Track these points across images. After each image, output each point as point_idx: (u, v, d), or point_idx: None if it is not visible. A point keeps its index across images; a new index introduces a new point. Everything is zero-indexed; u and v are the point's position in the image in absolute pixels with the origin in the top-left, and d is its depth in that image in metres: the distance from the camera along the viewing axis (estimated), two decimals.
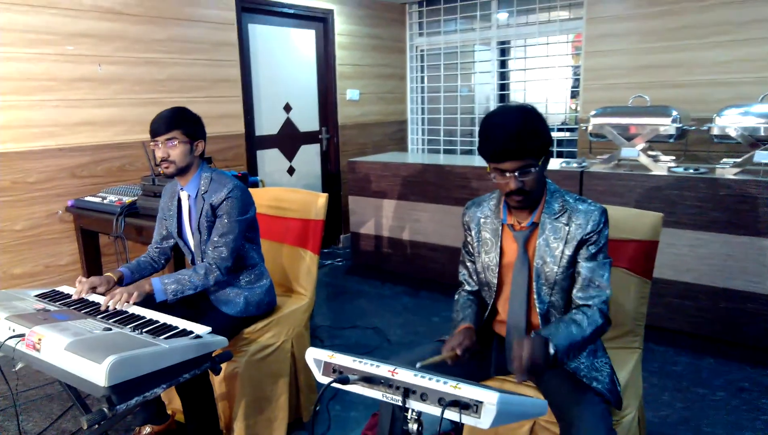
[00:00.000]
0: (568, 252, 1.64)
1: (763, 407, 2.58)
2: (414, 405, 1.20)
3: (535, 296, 1.68)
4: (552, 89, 5.38)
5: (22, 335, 1.62)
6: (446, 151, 6.00)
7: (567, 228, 1.65)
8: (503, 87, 5.76)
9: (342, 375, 1.26)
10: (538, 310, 1.69)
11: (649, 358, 3.07)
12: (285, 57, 4.85)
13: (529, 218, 1.70)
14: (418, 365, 1.56)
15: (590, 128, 3.62)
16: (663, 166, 3.39)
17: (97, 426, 1.73)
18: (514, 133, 1.55)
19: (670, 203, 3.22)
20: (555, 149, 5.35)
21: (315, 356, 1.32)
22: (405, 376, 1.20)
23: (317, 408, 2.58)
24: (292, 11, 4.78)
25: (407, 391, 1.20)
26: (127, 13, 3.64)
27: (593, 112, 3.66)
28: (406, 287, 4.32)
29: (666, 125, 3.33)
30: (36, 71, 3.28)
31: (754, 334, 3.09)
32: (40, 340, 1.57)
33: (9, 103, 3.19)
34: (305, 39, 5.00)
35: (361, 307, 3.98)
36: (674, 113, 3.32)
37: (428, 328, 3.55)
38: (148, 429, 2.28)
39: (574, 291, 1.66)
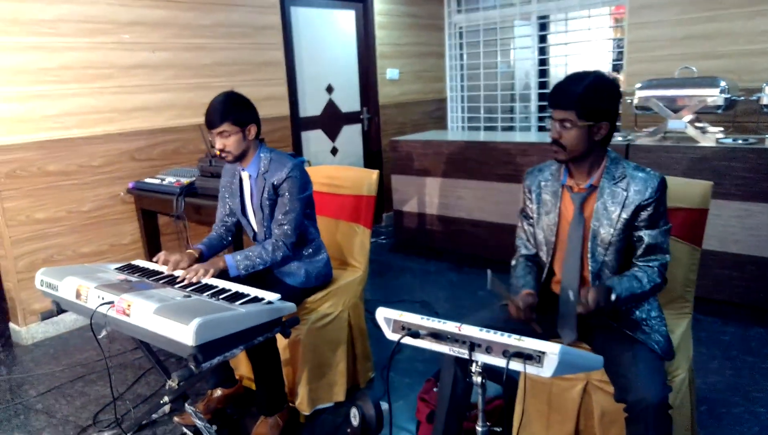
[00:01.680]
0: (625, 216, 1.73)
1: None
2: (480, 357, 1.30)
3: (589, 255, 1.78)
4: (593, 63, 5.33)
5: (111, 302, 1.78)
6: (486, 129, 6.02)
7: (625, 193, 1.73)
8: (543, 62, 5.73)
9: (412, 330, 1.36)
10: (590, 268, 1.78)
11: (698, 328, 3.09)
12: (326, 38, 4.94)
13: (587, 180, 1.78)
14: (489, 272, 1.63)
15: (635, 101, 3.61)
16: (711, 137, 3.37)
17: (183, 383, 1.89)
18: (569, 83, 1.71)
19: (718, 175, 3.21)
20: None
21: (386, 315, 1.43)
22: (470, 331, 1.30)
23: (389, 366, 2.72)
24: None
25: (473, 345, 1.30)
26: (175, 0, 3.78)
27: (638, 85, 3.65)
28: (450, 263, 4.41)
29: (714, 96, 3.31)
30: (94, 60, 3.46)
31: None
32: (129, 305, 1.72)
33: (72, 91, 3.38)
34: (346, 19, 5.07)
35: (407, 283, 4.09)
36: (722, 84, 3.29)
37: (474, 302, 3.64)
38: (219, 392, 2.45)
39: (636, 255, 1.76)
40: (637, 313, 1.75)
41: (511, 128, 5.88)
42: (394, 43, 5.49)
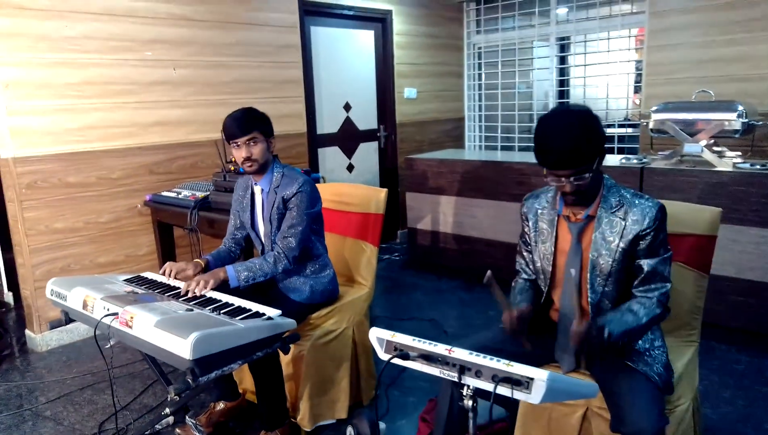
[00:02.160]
0: (624, 246, 1.69)
1: None
2: (469, 381, 1.30)
3: (588, 286, 1.75)
4: (613, 85, 5.31)
5: (115, 314, 1.81)
6: (504, 148, 6.02)
7: (623, 222, 1.69)
8: (562, 83, 5.72)
9: (403, 352, 1.36)
10: (590, 299, 1.75)
11: (711, 356, 3.03)
12: (345, 57, 5.01)
13: (584, 211, 1.76)
14: (488, 273, 1.62)
15: (651, 124, 3.59)
16: (728, 161, 3.33)
17: (181, 395, 1.92)
18: (569, 144, 1.59)
19: (735, 200, 3.16)
20: (616, 145, 5.28)
21: (378, 335, 1.44)
22: (460, 354, 1.30)
23: (378, 386, 2.71)
24: (352, 12, 4.93)
25: (463, 368, 1.30)
26: (197, 19, 3.88)
27: (654, 108, 3.62)
28: (462, 282, 4.39)
29: (731, 120, 3.27)
30: (117, 76, 3.55)
31: None
32: (132, 317, 1.75)
33: (94, 106, 3.47)
34: (365, 39, 5.14)
35: (418, 300, 4.08)
36: (740, 108, 3.25)
37: (484, 321, 3.62)
38: (221, 405, 2.47)
39: (635, 285, 1.72)
40: (640, 342, 1.72)
41: (528, 148, 5.86)
42: (412, 63, 5.54)
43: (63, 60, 3.32)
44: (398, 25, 5.33)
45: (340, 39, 4.95)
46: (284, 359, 2.38)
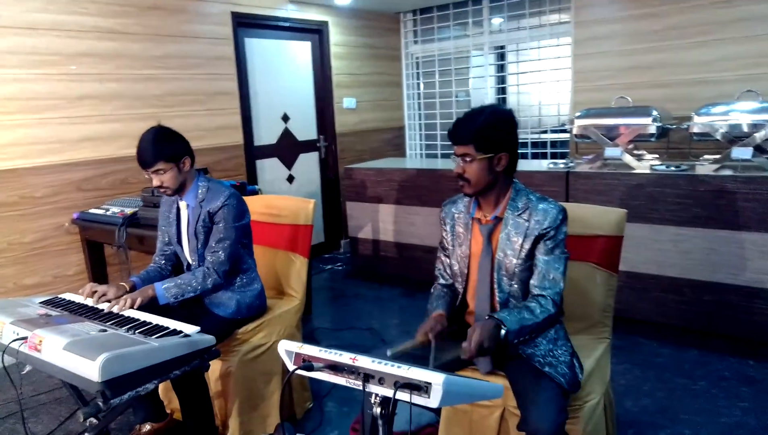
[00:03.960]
0: (527, 246, 1.77)
1: (742, 395, 2.67)
2: (373, 389, 1.32)
3: (496, 286, 1.81)
4: (548, 92, 5.48)
5: (24, 338, 1.76)
6: (444, 156, 6.11)
7: (527, 223, 1.78)
8: (502, 91, 5.87)
9: (307, 363, 1.38)
10: (498, 298, 1.82)
11: (634, 351, 3.16)
12: (282, 69, 5.00)
13: (494, 212, 1.84)
14: (388, 353, 1.68)
15: (575, 130, 3.73)
16: (646, 164, 3.49)
17: (94, 419, 1.87)
18: (466, 119, 1.77)
19: (653, 200, 3.31)
20: (549, 151, 5.45)
21: (286, 348, 1.44)
22: (364, 362, 1.32)
23: (283, 394, 2.70)
24: (287, 24, 4.93)
25: (367, 377, 1.32)
26: (126, 32, 3.80)
27: (577, 114, 3.76)
28: (403, 289, 4.44)
29: (647, 124, 3.43)
30: (41, 91, 3.45)
31: (736, 325, 3.16)
32: (41, 341, 1.70)
33: (17, 122, 3.36)
34: (301, 51, 5.15)
35: (359, 309, 4.10)
36: (654, 113, 3.42)
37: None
38: (148, 426, 2.41)
39: (532, 281, 1.79)
40: (544, 342, 1.78)
41: None
42: (351, 73, 5.58)
43: None
44: (335, 36, 5.36)
45: (276, 50, 4.94)
46: (212, 376, 2.35)
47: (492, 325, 1.62)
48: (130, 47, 3.84)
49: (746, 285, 3.10)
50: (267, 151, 4.98)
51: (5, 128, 3.31)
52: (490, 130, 1.74)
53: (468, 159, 1.76)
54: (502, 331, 1.63)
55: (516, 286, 1.80)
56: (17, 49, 3.32)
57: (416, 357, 1.67)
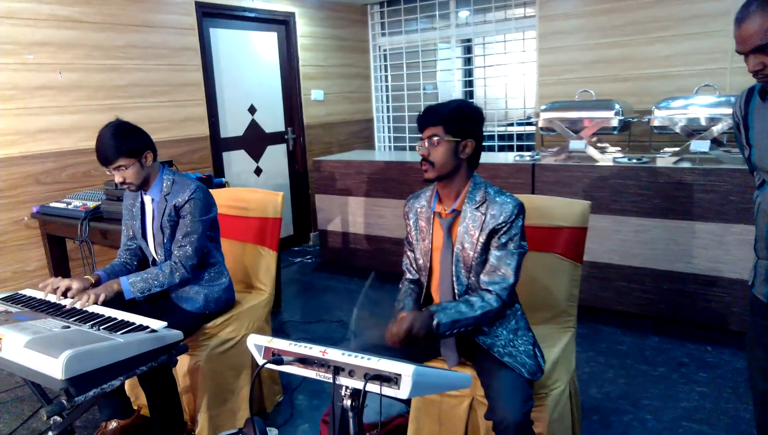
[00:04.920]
0: (483, 239, 1.79)
1: (699, 380, 2.77)
2: (344, 381, 1.33)
3: (454, 278, 1.83)
4: (514, 85, 5.54)
5: None
6: (412, 148, 6.13)
7: (483, 217, 1.80)
8: (469, 84, 5.90)
9: (277, 356, 1.37)
10: (457, 291, 1.84)
11: (598, 339, 3.24)
12: (248, 60, 4.93)
13: (451, 205, 1.86)
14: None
15: (540, 123, 3.79)
16: (609, 157, 3.57)
17: (58, 418, 1.83)
18: (437, 105, 1.83)
19: (616, 192, 3.40)
20: (515, 143, 5.52)
21: (255, 342, 1.44)
22: (334, 355, 1.32)
23: (253, 389, 2.70)
24: (253, 14, 4.86)
25: (337, 369, 1.33)
26: (85, 20, 3.70)
27: (543, 107, 3.82)
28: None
29: (609, 118, 3.51)
30: None
31: (694, 312, 3.28)
32: (0, 339, 1.66)
33: None
34: (267, 42, 5.09)
35: (328, 302, 4.09)
36: (617, 106, 3.50)
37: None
38: (114, 423, 2.37)
39: (482, 275, 1.81)
40: (505, 332, 1.81)
41: None
42: (318, 65, 5.54)
43: None
44: (302, 27, 5.31)
45: (242, 41, 4.87)
46: (180, 371, 2.33)
47: (426, 315, 1.66)
48: (90, 36, 3.73)
49: (704, 274, 3.21)
50: (234, 144, 4.91)
51: None
52: (459, 114, 1.79)
53: (435, 139, 1.78)
54: (434, 322, 1.66)
55: (474, 278, 1.82)
56: None
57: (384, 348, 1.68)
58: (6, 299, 2.12)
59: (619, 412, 2.52)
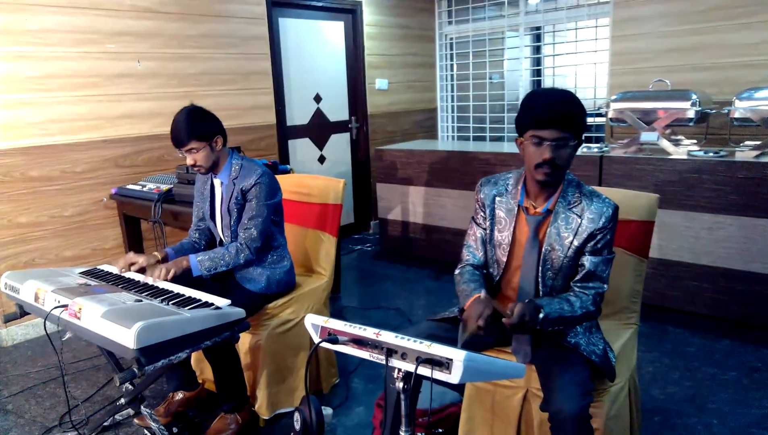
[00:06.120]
0: (577, 243, 1.72)
1: None
2: (395, 363, 1.34)
3: (540, 279, 1.78)
4: (584, 74, 5.36)
5: (65, 305, 1.84)
6: (476, 139, 6.06)
7: (579, 220, 1.72)
8: (535, 73, 5.76)
9: (333, 336, 1.41)
10: (541, 292, 1.79)
11: (665, 339, 3.12)
12: (315, 49, 5.02)
13: (544, 204, 1.77)
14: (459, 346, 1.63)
15: (610, 113, 3.66)
16: (683, 149, 3.40)
17: (130, 386, 1.95)
18: (562, 103, 1.64)
19: (689, 187, 3.24)
20: (585, 135, 5.35)
21: (313, 322, 1.48)
22: (387, 337, 1.34)
23: (309, 366, 2.75)
24: (321, 4, 4.93)
25: (390, 351, 1.35)
26: (162, 11, 3.87)
27: (613, 97, 3.69)
28: (430, 271, 4.45)
29: (686, 109, 3.34)
30: (81, 69, 3.54)
31: None
32: (80, 309, 1.78)
33: (57, 99, 3.46)
34: (334, 31, 5.15)
35: (387, 290, 4.13)
36: (693, 97, 3.33)
37: (448, 309, 3.67)
38: (180, 395, 2.50)
39: (575, 280, 1.75)
40: (579, 329, 1.77)
41: (499, 138, 5.91)
42: (383, 54, 5.56)
43: (25, 53, 3.31)
44: (368, 16, 5.34)
45: (310, 30, 4.95)
46: (242, 348, 2.42)
47: (534, 307, 1.59)
48: (167, 26, 3.90)
49: None
50: (299, 132, 5.02)
51: (47, 105, 3.42)
52: (584, 116, 1.67)
53: (562, 143, 1.64)
54: (540, 315, 1.60)
55: (560, 281, 1.77)
56: (58, 27, 3.42)
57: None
58: (86, 273, 2.27)
59: (682, 415, 2.42)
